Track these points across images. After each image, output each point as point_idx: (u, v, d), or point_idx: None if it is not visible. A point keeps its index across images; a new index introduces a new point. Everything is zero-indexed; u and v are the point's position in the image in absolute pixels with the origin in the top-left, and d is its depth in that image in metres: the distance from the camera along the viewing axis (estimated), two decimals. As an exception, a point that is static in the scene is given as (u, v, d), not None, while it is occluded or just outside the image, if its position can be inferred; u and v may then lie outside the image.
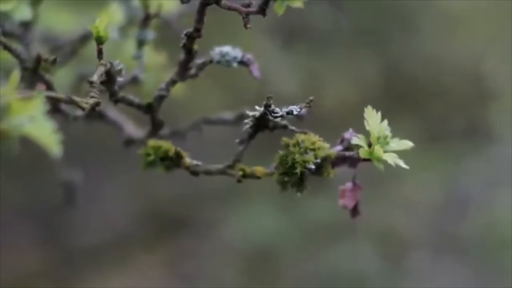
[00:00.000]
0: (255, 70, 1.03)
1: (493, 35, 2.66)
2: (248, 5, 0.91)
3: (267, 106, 0.92)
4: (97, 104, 0.87)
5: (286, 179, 0.93)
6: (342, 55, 2.59)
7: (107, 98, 0.98)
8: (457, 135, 2.58)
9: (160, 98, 1.02)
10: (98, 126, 1.25)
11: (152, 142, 1.03)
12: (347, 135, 0.94)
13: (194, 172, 1.00)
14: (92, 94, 0.88)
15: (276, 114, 0.92)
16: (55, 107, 1.02)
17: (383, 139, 0.91)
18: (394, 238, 2.38)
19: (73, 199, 1.46)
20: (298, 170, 0.92)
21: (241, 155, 0.97)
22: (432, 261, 2.36)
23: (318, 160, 0.92)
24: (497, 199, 2.43)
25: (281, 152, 0.93)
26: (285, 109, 0.92)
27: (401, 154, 0.92)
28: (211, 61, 1.02)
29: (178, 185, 2.35)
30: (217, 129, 1.34)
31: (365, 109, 0.91)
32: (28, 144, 0.75)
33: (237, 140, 0.97)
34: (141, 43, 1.12)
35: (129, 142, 1.15)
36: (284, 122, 0.96)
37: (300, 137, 0.93)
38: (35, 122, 0.74)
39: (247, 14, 0.91)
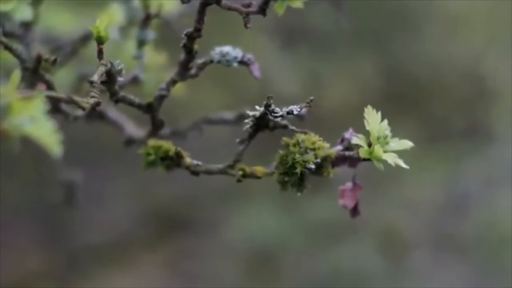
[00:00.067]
0: (256, 70, 1.03)
1: (493, 35, 2.66)
2: (248, 5, 0.91)
3: (267, 106, 0.92)
4: (98, 104, 0.88)
5: (286, 179, 0.93)
6: (342, 55, 2.59)
7: (107, 98, 0.98)
8: (457, 135, 2.58)
9: (161, 98, 1.03)
10: (98, 126, 1.25)
11: (152, 142, 1.03)
12: (347, 135, 0.95)
13: (194, 172, 1.00)
14: (92, 94, 0.88)
15: (276, 114, 0.92)
16: (55, 107, 1.03)
17: (383, 139, 0.91)
18: (394, 238, 2.39)
19: (74, 199, 1.46)
20: (298, 170, 0.92)
21: (241, 155, 0.97)
22: (432, 261, 2.36)
23: (318, 160, 0.92)
24: (497, 199, 2.43)
25: (281, 152, 0.93)
26: (285, 109, 0.92)
27: (401, 154, 0.92)
28: (211, 61, 1.02)
29: (178, 185, 2.35)
30: (217, 129, 1.35)
31: (365, 109, 0.91)
32: (29, 144, 0.76)
33: (238, 140, 0.97)
34: (141, 43, 1.12)
35: (130, 142, 1.15)
36: (284, 122, 0.96)
37: (300, 137, 0.93)
38: (35, 122, 0.74)
39: (247, 14, 0.91)
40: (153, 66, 1.23)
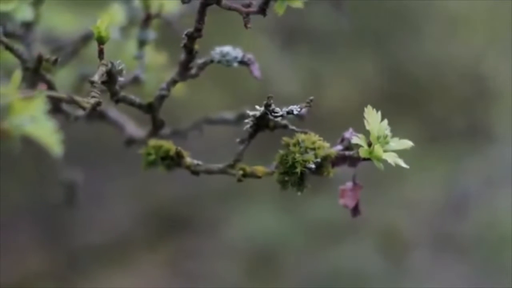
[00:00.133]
0: (256, 70, 1.03)
1: (493, 35, 2.66)
2: (249, 5, 0.91)
3: (267, 106, 0.92)
4: (98, 104, 0.88)
5: (286, 178, 0.93)
6: (342, 55, 2.60)
7: (108, 98, 0.98)
8: (457, 135, 2.58)
9: (161, 98, 1.03)
10: (99, 126, 1.25)
11: (153, 142, 1.03)
12: (347, 134, 0.95)
13: (194, 172, 1.00)
14: (93, 94, 0.88)
15: (276, 114, 0.92)
16: (56, 107, 1.03)
17: (383, 138, 0.91)
18: (395, 237, 2.39)
19: (74, 199, 1.47)
20: (298, 170, 0.92)
21: (241, 155, 0.97)
22: (432, 261, 2.36)
23: (318, 160, 0.92)
24: (497, 199, 2.43)
25: (281, 152, 0.93)
26: (285, 109, 0.93)
27: (401, 154, 0.92)
28: (211, 61, 1.02)
29: (179, 185, 2.35)
30: (217, 128, 1.35)
31: (365, 109, 0.91)
32: (29, 144, 0.76)
33: (238, 140, 0.97)
34: (142, 43, 1.12)
35: (130, 141, 1.16)
36: (285, 121, 0.96)
37: (301, 136, 0.93)
38: (36, 122, 0.74)
39: (248, 14, 0.91)
40: (153, 66, 1.23)
